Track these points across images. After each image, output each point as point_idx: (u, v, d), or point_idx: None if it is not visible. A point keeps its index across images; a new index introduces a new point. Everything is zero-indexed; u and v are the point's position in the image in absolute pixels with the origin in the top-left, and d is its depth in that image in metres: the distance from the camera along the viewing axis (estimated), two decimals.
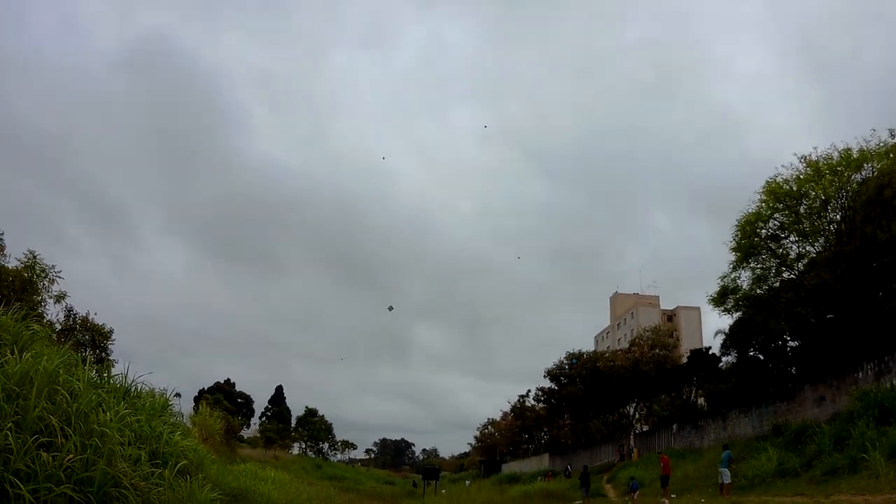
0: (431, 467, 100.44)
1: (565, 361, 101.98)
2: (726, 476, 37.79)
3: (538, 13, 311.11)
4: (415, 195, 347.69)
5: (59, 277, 37.86)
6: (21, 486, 9.81)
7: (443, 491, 75.34)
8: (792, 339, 58.99)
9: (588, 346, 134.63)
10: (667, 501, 38.84)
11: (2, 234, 36.45)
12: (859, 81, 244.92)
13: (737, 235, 53.99)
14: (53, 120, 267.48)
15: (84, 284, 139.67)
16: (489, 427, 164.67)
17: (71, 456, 11.36)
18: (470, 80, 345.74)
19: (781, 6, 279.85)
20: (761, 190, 51.82)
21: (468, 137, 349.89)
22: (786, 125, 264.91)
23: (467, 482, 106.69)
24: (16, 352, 13.44)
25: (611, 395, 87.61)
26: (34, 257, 36.47)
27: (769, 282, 55.83)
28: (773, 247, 53.33)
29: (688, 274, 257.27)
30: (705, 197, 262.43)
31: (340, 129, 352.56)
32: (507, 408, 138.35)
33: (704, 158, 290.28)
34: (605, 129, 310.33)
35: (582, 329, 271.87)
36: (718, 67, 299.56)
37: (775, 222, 52.29)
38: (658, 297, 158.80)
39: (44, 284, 36.88)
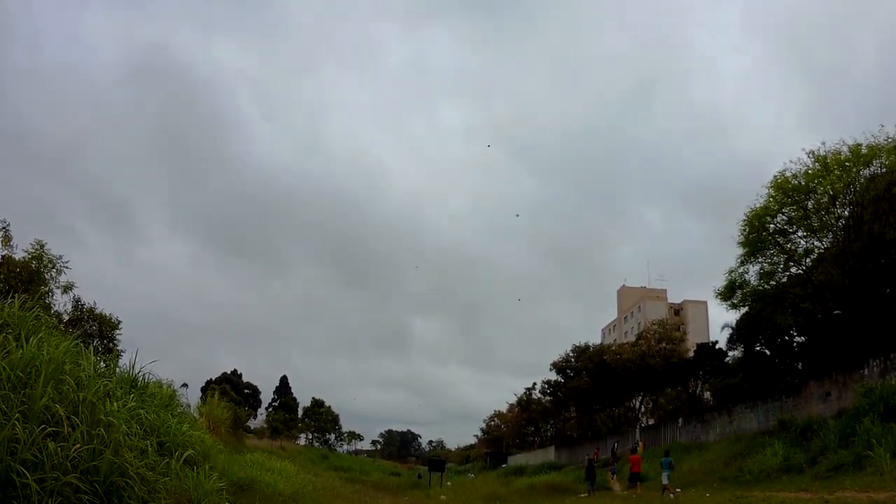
0: (437, 459, 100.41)
1: (571, 354, 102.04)
2: (666, 478, 42.03)
3: (521, 23, 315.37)
4: (408, 192, 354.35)
5: (67, 268, 37.74)
6: (27, 475, 9.88)
7: (448, 483, 75.46)
8: (799, 335, 59.08)
9: (594, 338, 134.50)
10: (637, 494, 42.56)
11: (7, 224, 36.17)
12: (848, 81, 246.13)
13: (744, 230, 53.84)
14: (65, 128, 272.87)
15: (93, 279, 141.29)
16: (495, 419, 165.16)
17: (77, 446, 11.37)
18: (456, 82, 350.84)
19: (769, 7, 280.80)
20: (769, 184, 51.75)
21: (456, 135, 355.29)
22: (774, 124, 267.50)
23: (470, 475, 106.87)
24: (22, 340, 13.42)
25: (617, 389, 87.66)
26: (41, 247, 36.32)
27: (776, 277, 55.69)
28: (780, 242, 53.16)
29: (681, 270, 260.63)
30: (695, 194, 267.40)
31: (334, 130, 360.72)
32: (513, 400, 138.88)
33: (693, 157, 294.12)
34: (591, 128, 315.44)
35: (582, 323, 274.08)
36: (704, 67, 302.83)
37: (783, 217, 52.17)
38: (665, 290, 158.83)
39: (51, 275, 36.77)
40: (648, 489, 46.16)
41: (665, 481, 41.96)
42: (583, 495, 49.11)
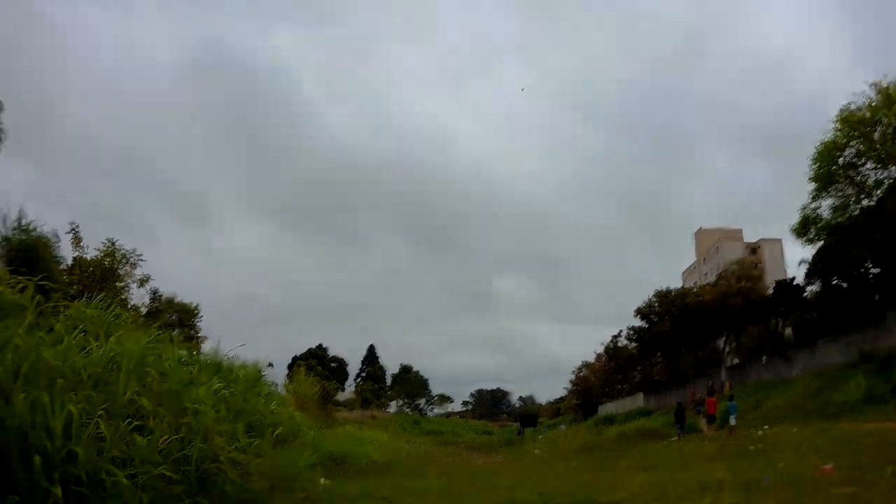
0: (529, 414, 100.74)
1: (654, 300, 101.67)
2: (733, 420, 43.61)
3: None
4: (478, 154, 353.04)
5: (142, 261, 38.59)
6: (117, 472, 9.84)
7: (539, 437, 76.10)
8: (874, 266, 58.40)
9: (675, 283, 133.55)
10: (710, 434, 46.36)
11: (77, 226, 36.77)
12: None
13: (814, 165, 53.41)
14: (133, 132, 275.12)
15: (173, 272, 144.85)
16: (584, 370, 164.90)
17: (165, 437, 11.49)
18: (514, 43, 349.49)
19: None
20: (835, 118, 51.22)
21: (519, 95, 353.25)
22: (830, 61, 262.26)
23: (562, 426, 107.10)
24: (101, 338, 13.45)
25: (700, 330, 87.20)
26: (113, 244, 37.05)
27: (849, 210, 55.08)
28: (851, 175, 52.60)
29: (750, 211, 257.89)
30: (758, 136, 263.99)
31: (399, 104, 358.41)
32: (600, 350, 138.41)
33: (750, 99, 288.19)
34: (649, 76, 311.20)
35: (662, 269, 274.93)
36: (758, 10, 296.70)
37: (851, 150, 51.62)
38: (741, 230, 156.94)
39: (126, 270, 37.58)
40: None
41: (732, 422, 43.48)
42: (673, 439, 49.42)
